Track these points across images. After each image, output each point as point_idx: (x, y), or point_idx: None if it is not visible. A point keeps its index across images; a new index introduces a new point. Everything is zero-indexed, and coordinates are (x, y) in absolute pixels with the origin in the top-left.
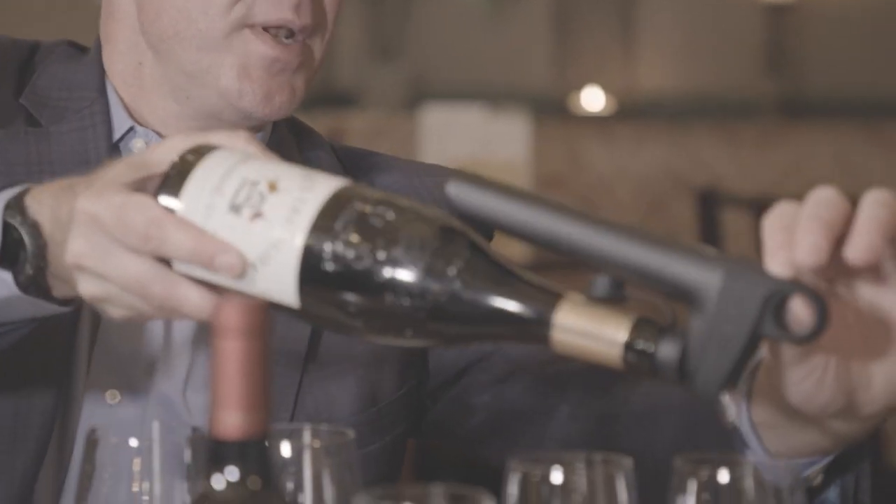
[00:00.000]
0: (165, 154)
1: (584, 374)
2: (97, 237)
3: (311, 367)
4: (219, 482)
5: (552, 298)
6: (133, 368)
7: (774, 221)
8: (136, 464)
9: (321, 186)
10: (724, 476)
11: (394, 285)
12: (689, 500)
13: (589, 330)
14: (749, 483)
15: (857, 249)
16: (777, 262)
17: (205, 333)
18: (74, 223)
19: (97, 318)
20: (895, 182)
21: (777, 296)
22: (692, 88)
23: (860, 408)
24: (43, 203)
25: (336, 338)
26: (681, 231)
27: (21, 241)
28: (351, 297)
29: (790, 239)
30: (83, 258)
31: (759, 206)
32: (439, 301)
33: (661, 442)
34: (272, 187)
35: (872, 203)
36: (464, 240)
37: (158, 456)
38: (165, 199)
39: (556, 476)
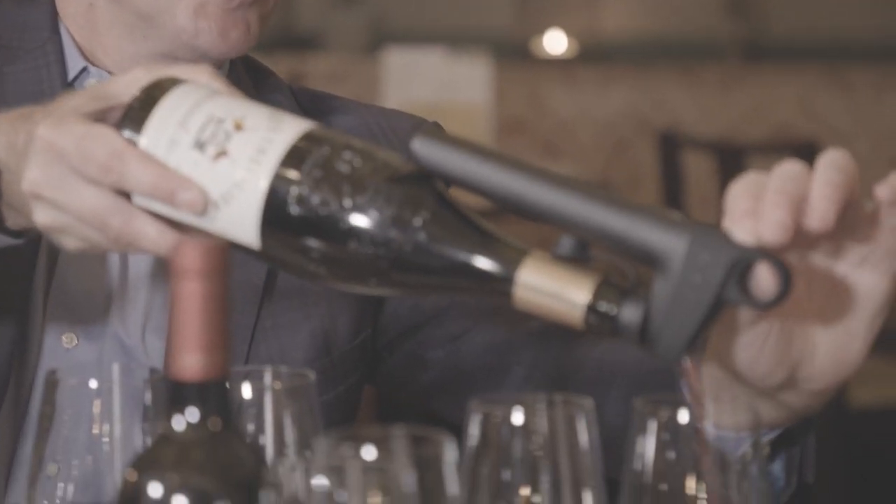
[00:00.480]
0: (128, 86)
1: (539, 336)
2: (56, 166)
3: (264, 315)
4: (179, 423)
5: (517, 255)
6: (90, 309)
7: (741, 189)
8: (97, 405)
9: (288, 128)
10: (683, 416)
11: (358, 233)
12: (648, 441)
13: (552, 289)
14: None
15: (811, 219)
16: (742, 230)
17: (162, 273)
18: (32, 151)
19: (54, 256)
20: (857, 126)
21: (742, 262)
22: (655, 31)
23: (804, 381)
24: None
25: (290, 287)
26: (643, 174)
27: None
28: (314, 242)
29: (756, 207)
30: (40, 187)
31: (720, 149)
32: (404, 251)
33: (611, 407)
34: (238, 126)
35: (828, 166)
36: (431, 190)
37: (119, 398)
38: (128, 132)
39: (518, 417)
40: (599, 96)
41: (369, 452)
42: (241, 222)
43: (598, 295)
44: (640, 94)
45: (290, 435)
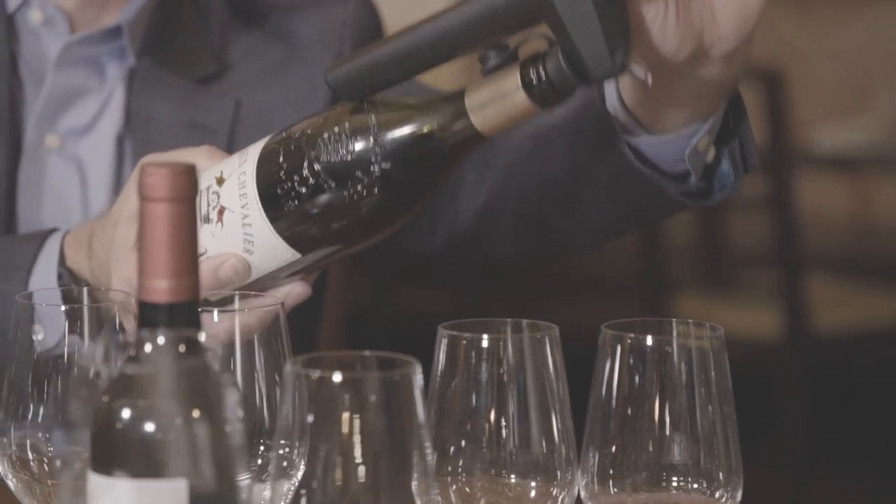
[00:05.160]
0: None
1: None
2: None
3: None
4: (148, 346)
5: (457, 96)
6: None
7: None
8: (66, 326)
9: (251, 154)
10: (649, 340)
11: (341, 185)
12: (614, 365)
13: (493, 96)
14: (673, 346)
15: None
16: None
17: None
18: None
19: (11, 191)
20: (820, 49)
21: None
22: None
23: (713, 47)
24: (80, 263)
25: None
26: None
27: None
28: (324, 219)
29: None
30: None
31: None
32: (384, 171)
33: (555, 156)
34: (219, 182)
35: None
36: (366, 110)
37: (87, 318)
38: None
39: (484, 341)
40: None
41: (337, 376)
42: (273, 250)
43: (524, 73)
44: None
45: (259, 359)
